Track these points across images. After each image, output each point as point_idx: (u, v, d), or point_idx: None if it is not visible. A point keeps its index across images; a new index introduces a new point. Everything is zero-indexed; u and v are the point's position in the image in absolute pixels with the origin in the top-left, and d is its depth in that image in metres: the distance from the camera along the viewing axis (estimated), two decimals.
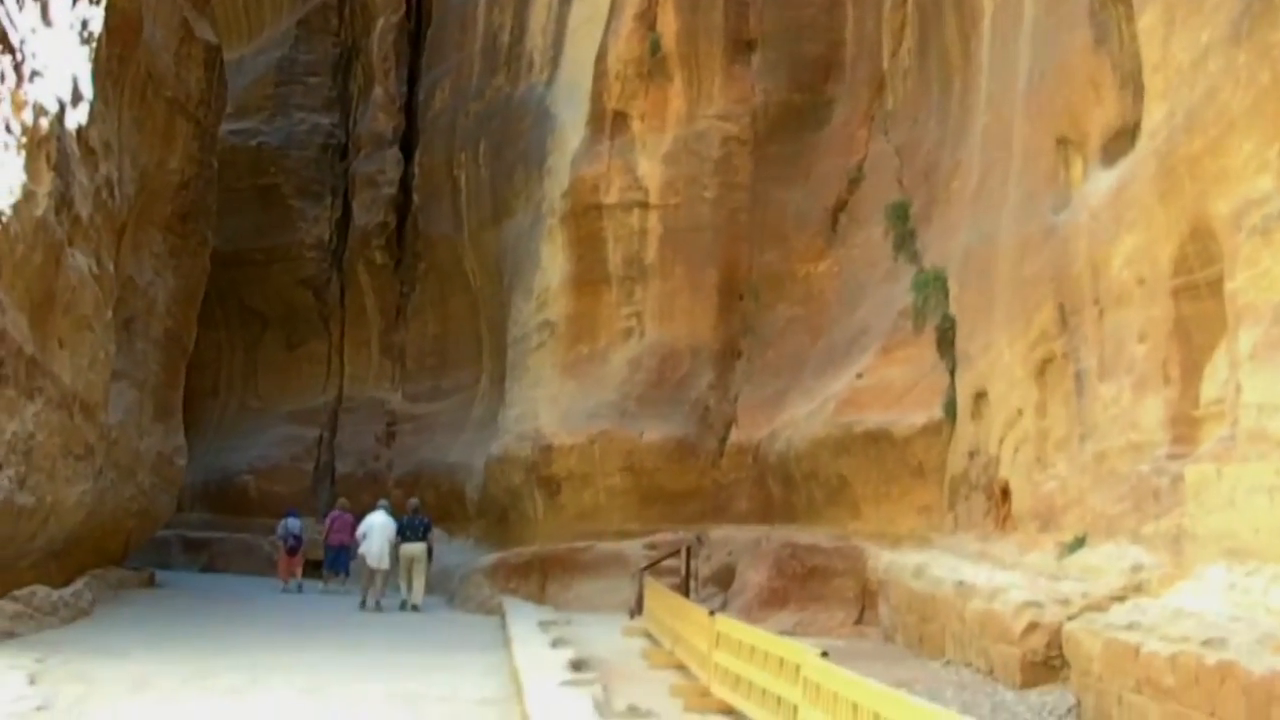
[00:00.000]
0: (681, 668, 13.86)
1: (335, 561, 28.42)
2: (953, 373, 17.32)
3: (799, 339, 22.53)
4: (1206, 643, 8.66)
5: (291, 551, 29.08)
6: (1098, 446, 12.40)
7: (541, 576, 23.33)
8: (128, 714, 11.10)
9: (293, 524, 29.33)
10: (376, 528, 24.69)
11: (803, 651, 9.09)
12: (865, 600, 18.30)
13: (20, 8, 16.41)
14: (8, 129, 16.05)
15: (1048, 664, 11.73)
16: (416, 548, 24.28)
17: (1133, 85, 12.15)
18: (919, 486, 17.97)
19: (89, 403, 21.02)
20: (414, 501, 26.34)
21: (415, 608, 23.82)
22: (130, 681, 12.90)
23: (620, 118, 24.89)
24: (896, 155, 21.05)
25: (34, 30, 16.83)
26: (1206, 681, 8.46)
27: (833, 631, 17.57)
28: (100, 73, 20.52)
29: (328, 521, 29.02)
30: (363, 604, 24.23)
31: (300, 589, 28.26)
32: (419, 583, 24.17)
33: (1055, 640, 11.57)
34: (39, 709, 10.89)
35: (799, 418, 20.80)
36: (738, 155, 24.08)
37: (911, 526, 17.95)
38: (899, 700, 6.92)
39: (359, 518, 26.13)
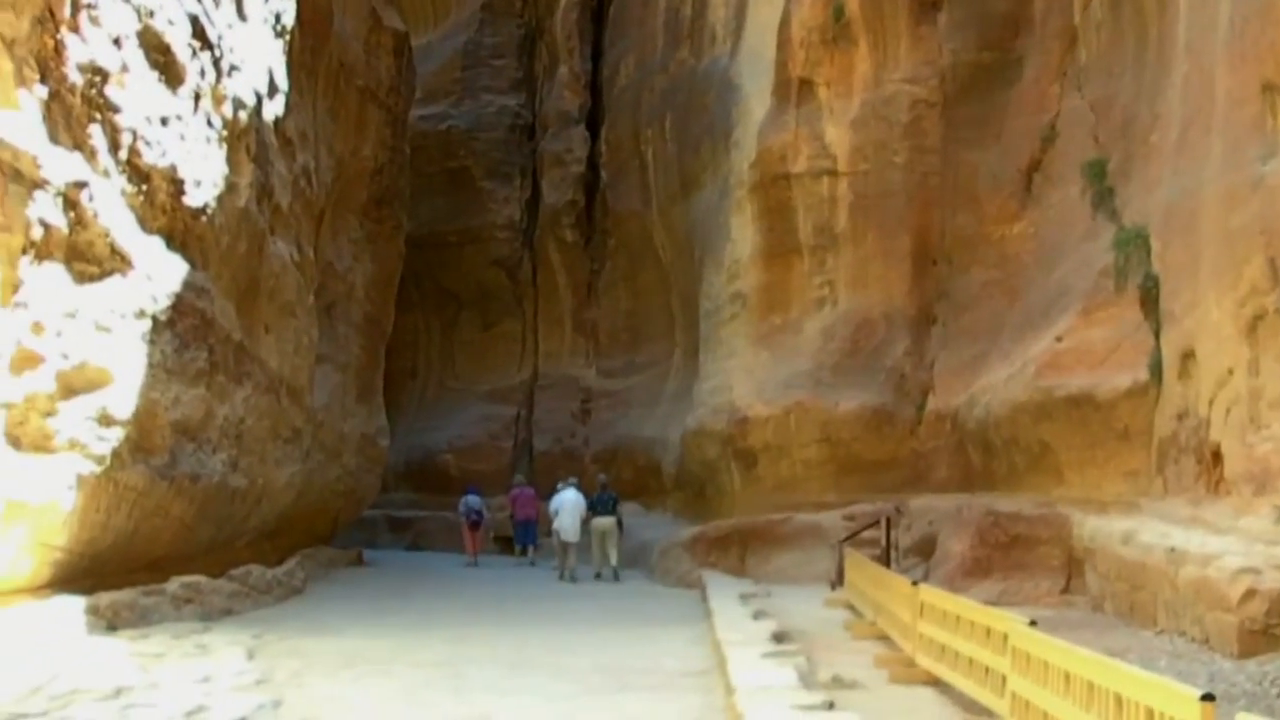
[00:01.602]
0: (885, 639, 13.75)
1: (524, 535, 29.51)
2: (1157, 333, 16.80)
3: (995, 303, 22.05)
4: None
5: (474, 526, 30.02)
6: None
7: (740, 549, 23.30)
8: (342, 686, 11.40)
9: (473, 500, 30.30)
10: (568, 503, 25.74)
11: (1011, 620, 8.93)
12: (1071, 569, 17.88)
13: (217, 4, 16.92)
14: (209, 123, 16.58)
15: (1268, 632, 11.33)
16: (607, 521, 25.39)
17: None
18: (1125, 451, 17.48)
19: (295, 386, 21.63)
20: (602, 477, 27.71)
21: (615, 577, 24.81)
22: (343, 656, 13.27)
23: (805, 85, 24.63)
24: (1091, 111, 20.42)
25: (230, 26, 17.35)
26: None
27: (1039, 600, 17.21)
28: (294, 65, 21.06)
29: (510, 498, 29.87)
30: (560, 576, 25.27)
31: (476, 563, 29.12)
32: (613, 553, 25.25)
33: (1275, 607, 11.17)
34: (258, 683, 11.27)
35: (997, 383, 20.39)
36: (927, 118, 23.64)
37: (1118, 492, 17.48)
38: (1113, 668, 6.74)
39: (549, 494, 27.34)
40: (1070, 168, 20.57)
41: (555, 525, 25.89)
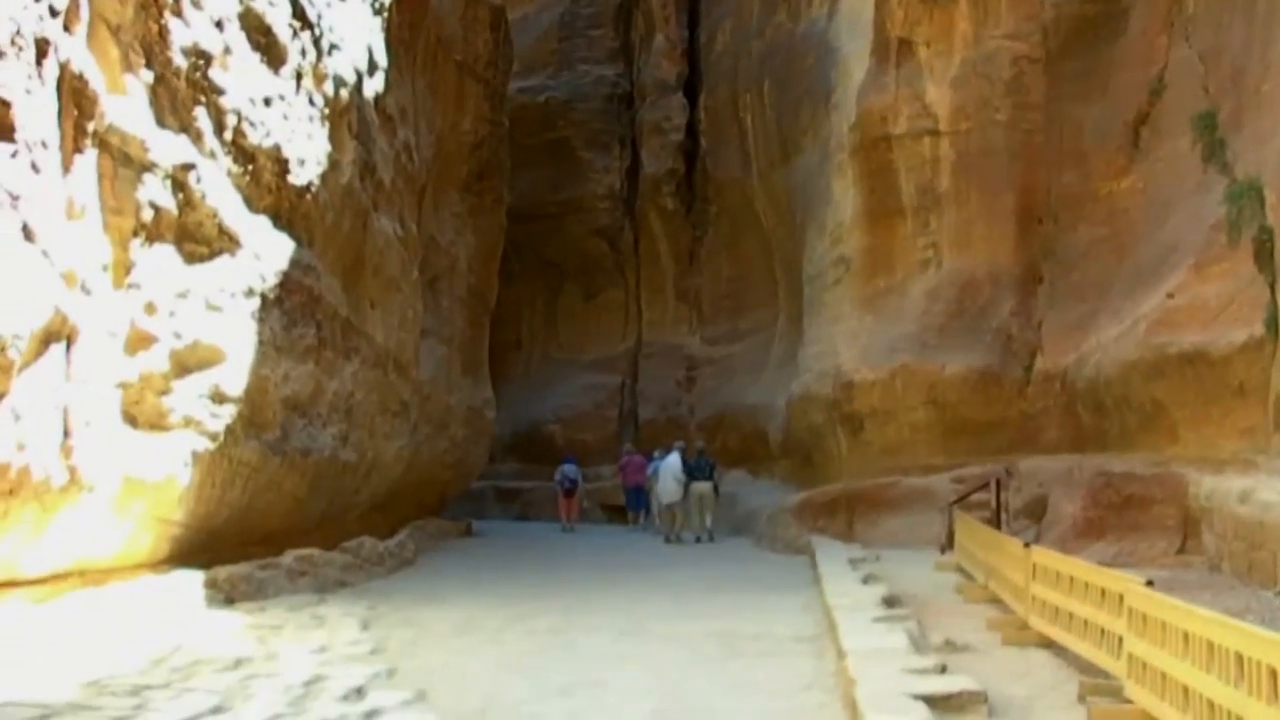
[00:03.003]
0: (997, 601, 13.62)
1: (635, 501, 30.55)
2: (1273, 286, 16.41)
3: (1103, 260, 21.65)
4: None
5: (568, 494, 31.12)
6: None
7: (848, 514, 23.23)
8: (455, 655, 11.52)
9: (569, 469, 31.41)
10: (665, 467, 26.82)
11: (1126, 581, 8.79)
12: (1187, 529, 17.55)
13: None
14: (311, 102, 16.75)
15: None
16: (704, 486, 26.58)
17: None
18: (1241, 408, 17.11)
19: (401, 360, 21.86)
20: (700, 444, 29.09)
21: (710, 538, 26.15)
22: (455, 625, 13.41)
23: (905, 45, 24.32)
24: (1200, 61, 19.93)
25: (329, 5, 17.50)
26: None
27: (1154, 561, 16.93)
28: (393, 42, 21.21)
29: (620, 465, 30.55)
30: (666, 539, 26.45)
31: (573, 529, 30.23)
32: (709, 517, 26.60)
33: None
34: (373, 652, 11.42)
35: (1107, 341, 20.05)
36: (1029, 74, 23.24)
37: (1234, 450, 17.12)
38: (1234, 628, 6.61)
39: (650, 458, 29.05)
40: (1179, 120, 20.12)
41: (657, 489, 27.14)
